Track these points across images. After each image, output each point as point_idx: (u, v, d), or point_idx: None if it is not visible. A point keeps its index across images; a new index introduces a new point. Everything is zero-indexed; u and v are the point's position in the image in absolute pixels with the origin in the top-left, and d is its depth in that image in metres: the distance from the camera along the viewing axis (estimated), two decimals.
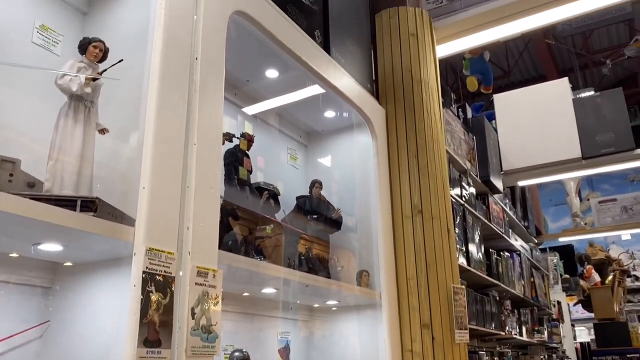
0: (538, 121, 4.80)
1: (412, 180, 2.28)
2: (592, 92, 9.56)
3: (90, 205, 1.06)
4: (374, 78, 2.51)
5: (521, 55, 10.45)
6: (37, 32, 1.39)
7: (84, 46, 1.20)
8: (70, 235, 1.08)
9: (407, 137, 2.35)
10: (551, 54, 10.01)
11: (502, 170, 4.79)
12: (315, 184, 2.28)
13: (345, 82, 2.20)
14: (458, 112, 4.21)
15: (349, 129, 2.47)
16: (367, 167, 2.33)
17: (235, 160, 1.71)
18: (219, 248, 1.31)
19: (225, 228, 1.57)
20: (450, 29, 2.74)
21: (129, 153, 1.26)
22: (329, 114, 2.45)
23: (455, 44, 2.83)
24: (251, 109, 2.32)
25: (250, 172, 1.88)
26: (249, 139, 1.78)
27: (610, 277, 7.26)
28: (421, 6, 2.81)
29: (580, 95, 8.76)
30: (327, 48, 2.16)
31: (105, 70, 1.19)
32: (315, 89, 2.22)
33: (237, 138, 1.73)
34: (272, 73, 2.16)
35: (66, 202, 1.04)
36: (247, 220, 1.69)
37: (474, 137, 4.25)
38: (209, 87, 1.39)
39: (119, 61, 1.20)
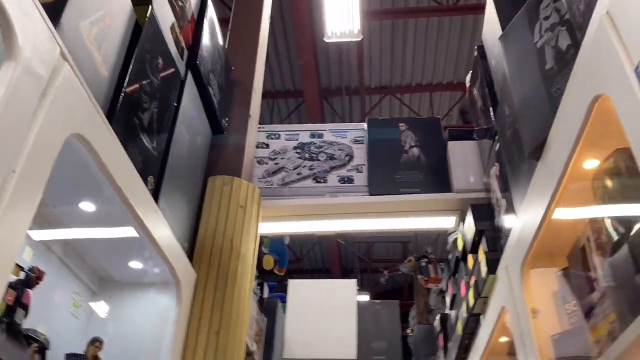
0: (324, 315, 4.96)
1: None
2: (367, 296, 10.46)
3: None
4: (193, 239, 2.39)
5: (313, 247, 11.23)
6: None
7: None
8: None
9: (213, 311, 2.20)
10: (339, 252, 10.93)
11: (282, 357, 4.72)
12: (95, 342, 1.94)
13: (165, 235, 2.04)
14: (256, 289, 4.17)
15: (152, 286, 2.24)
16: (161, 334, 2.08)
17: None
18: None
19: None
20: (276, 211, 2.82)
21: None
22: (135, 264, 2.22)
23: (277, 225, 2.90)
24: (40, 235, 1.99)
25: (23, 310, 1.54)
26: (37, 276, 1.47)
27: None
28: (253, 182, 2.87)
29: (359, 298, 9.41)
30: (156, 196, 2.02)
31: None
32: (127, 233, 2.01)
33: (26, 272, 1.42)
34: (86, 205, 1.92)
35: None
36: None
37: (266, 319, 4.19)
38: (17, 207, 1.15)
39: None
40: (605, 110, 1.31)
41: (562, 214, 1.79)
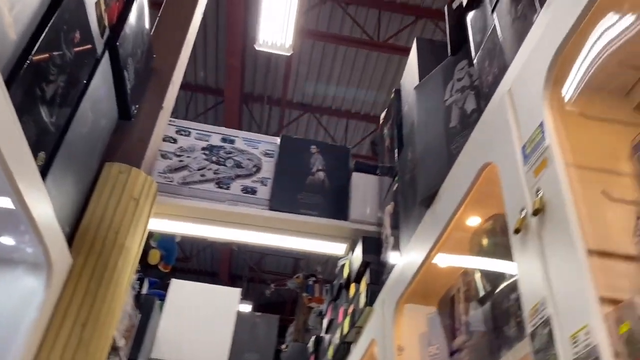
0: (201, 320, 4.88)
1: (66, 353, 1.97)
2: (250, 305, 10.41)
3: None
4: (76, 225, 2.27)
5: (204, 249, 11.02)
6: None
7: None
8: None
9: (84, 301, 2.09)
10: (230, 257, 10.81)
11: (150, 356, 4.57)
12: None
13: (45, 213, 1.92)
14: (135, 283, 4.03)
15: (21, 264, 2.09)
16: (21, 318, 1.94)
17: None
18: None
19: None
20: (171, 209, 2.76)
21: None
22: (5, 239, 2.06)
23: (170, 224, 2.83)
24: None
25: None
26: None
27: None
28: (152, 175, 2.79)
29: (241, 307, 9.37)
30: (44, 173, 1.91)
31: None
32: (2, 204, 1.88)
33: None
34: None
35: None
36: None
37: (140, 315, 4.05)
38: None
39: None
40: (492, 177, 1.43)
41: (441, 261, 1.91)
